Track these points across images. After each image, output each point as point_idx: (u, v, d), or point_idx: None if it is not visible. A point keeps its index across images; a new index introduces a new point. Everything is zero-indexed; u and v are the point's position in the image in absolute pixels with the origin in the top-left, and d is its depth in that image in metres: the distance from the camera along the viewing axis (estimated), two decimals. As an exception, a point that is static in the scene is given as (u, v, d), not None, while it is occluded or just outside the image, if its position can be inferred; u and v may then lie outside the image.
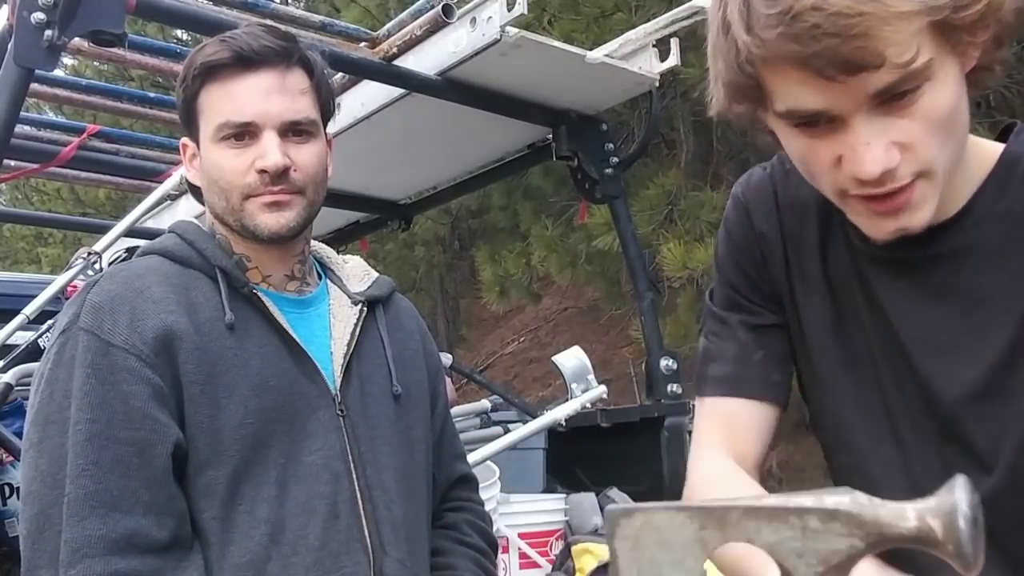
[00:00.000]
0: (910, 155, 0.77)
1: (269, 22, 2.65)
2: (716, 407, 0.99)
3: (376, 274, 1.44)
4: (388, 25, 2.90)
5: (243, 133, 1.23)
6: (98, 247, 2.67)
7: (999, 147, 0.88)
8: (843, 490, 0.49)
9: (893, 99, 0.76)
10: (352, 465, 1.23)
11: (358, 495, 1.23)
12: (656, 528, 0.49)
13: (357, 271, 1.43)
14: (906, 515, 0.47)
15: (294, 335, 1.24)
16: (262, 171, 1.23)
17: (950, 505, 0.47)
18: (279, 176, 1.23)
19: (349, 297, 1.37)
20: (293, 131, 1.25)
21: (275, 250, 1.30)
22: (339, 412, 1.25)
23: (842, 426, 0.95)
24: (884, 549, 0.48)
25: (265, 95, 1.23)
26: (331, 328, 1.32)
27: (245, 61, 1.23)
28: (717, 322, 1.04)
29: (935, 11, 0.72)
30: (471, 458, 2.36)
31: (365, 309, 1.36)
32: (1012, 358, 0.82)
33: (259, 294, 1.25)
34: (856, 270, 0.92)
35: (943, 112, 0.77)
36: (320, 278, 1.39)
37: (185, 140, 1.31)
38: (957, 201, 0.86)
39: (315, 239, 1.41)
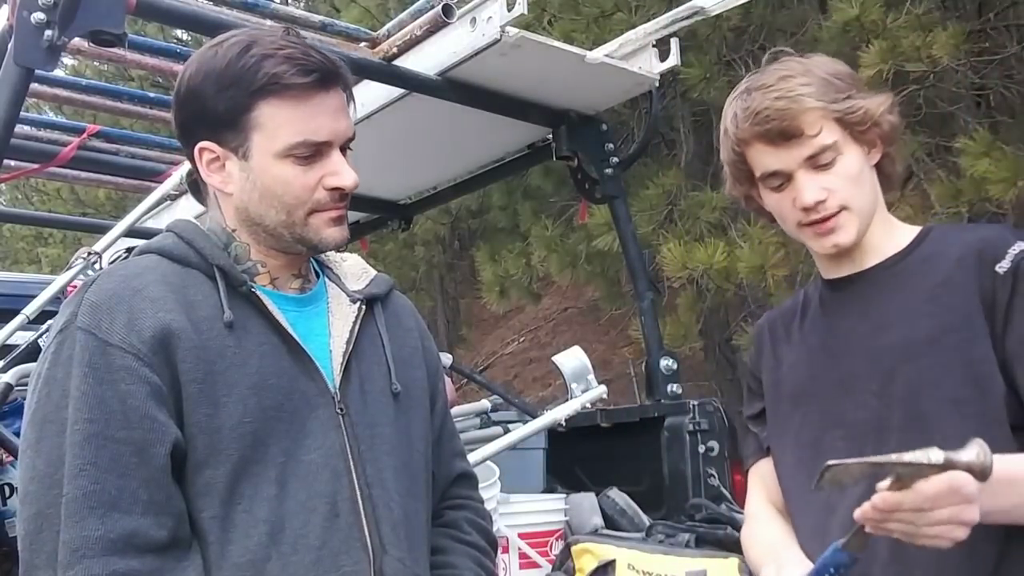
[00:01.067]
0: (834, 194, 1.30)
1: (269, 23, 2.66)
2: (754, 469, 1.52)
3: (374, 272, 1.44)
4: (388, 25, 2.89)
5: (315, 151, 1.24)
6: (98, 247, 2.67)
7: (914, 228, 1.40)
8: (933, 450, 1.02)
9: (819, 165, 1.30)
10: (352, 463, 1.23)
11: (358, 494, 1.23)
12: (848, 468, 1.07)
13: (355, 269, 1.43)
14: (964, 457, 1.01)
15: (293, 333, 1.24)
16: (336, 189, 1.25)
17: (983, 454, 1.01)
18: (346, 194, 1.27)
19: (347, 295, 1.37)
20: (344, 146, 1.28)
21: (291, 257, 1.31)
22: (338, 410, 1.25)
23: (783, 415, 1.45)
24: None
25: (335, 114, 1.25)
26: (330, 326, 1.32)
27: (321, 81, 1.23)
28: (746, 417, 1.56)
29: (832, 112, 1.29)
30: (471, 458, 2.36)
31: (364, 307, 1.36)
32: (906, 343, 1.28)
33: (258, 293, 1.25)
34: (821, 305, 1.43)
35: (852, 173, 1.31)
36: (318, 277, 1.39)
37: (206, 144, 1.26)
38: (886, 252, 1.36)
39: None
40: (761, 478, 1.49)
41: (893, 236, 1.37)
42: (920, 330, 1.27)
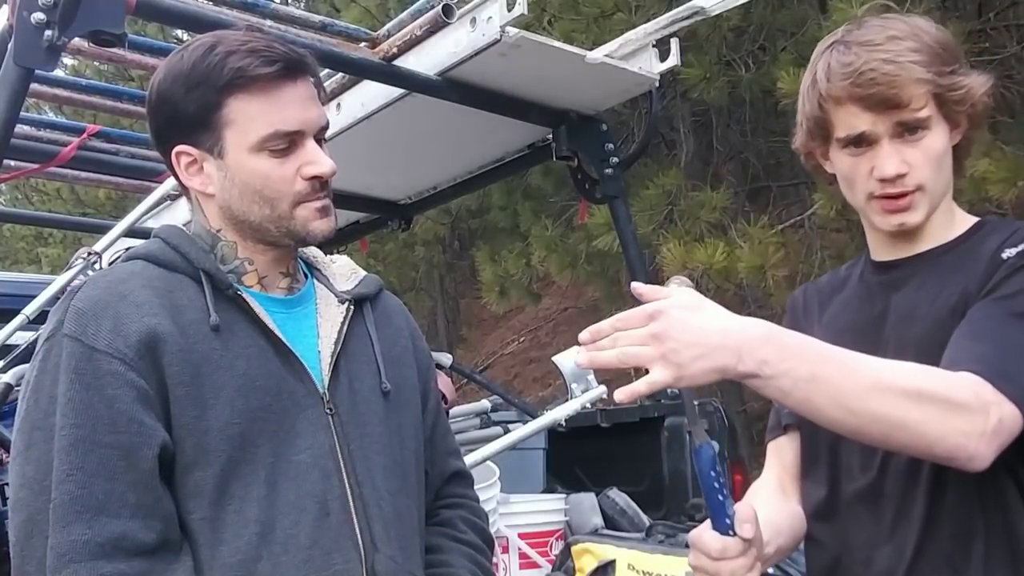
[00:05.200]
0: (914, 171, 1.22)
1: (269, 22, 2.66)
2: (772, 445, 1.45)
3: (363, 272, 1.44)
4: (388, 25, 2.90)
5: (289, 142, 1.24)
6: (98, 247, 2.67)
7: (974, 219, 1.32)
8: None
9: (907, 134, 1.21)
10: (342, 463, 1.24)
11: (348, 493, 1.23)
12: None
13: (344, 270, 1.43)
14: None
15: (280, 335, 1.25)
16: (315, 178, 1.25)
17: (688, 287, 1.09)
18: (325, 182, 1.27)
19: (336, 296, 1.37)
20: (318, 136, 1.28)
21: (279, 252, 1.31)
22: (328, 410, 1.25)
23: None
24: None
25: (304, 103, 1.25)
26: (318, 327, 1.32)
27: (287, 70, 1.23)
28: None
29: (937, 85, 1.20)
30: (471, 458, 2.36)
31: (352, 307, 1.36)
32: (950, 318, 1.19)
33: (244, 295, 1.25)
34: (861, 285, 1.36)
35: (936, 152, 1.23)
36: (306, 278, 1.39)
37: (182, 148, 1.26)
38: (941, 241, 1.29)
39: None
40: (777, 453, 1.43)
41: (951, 225, 1.29)
42: (943, 328, 1.20)
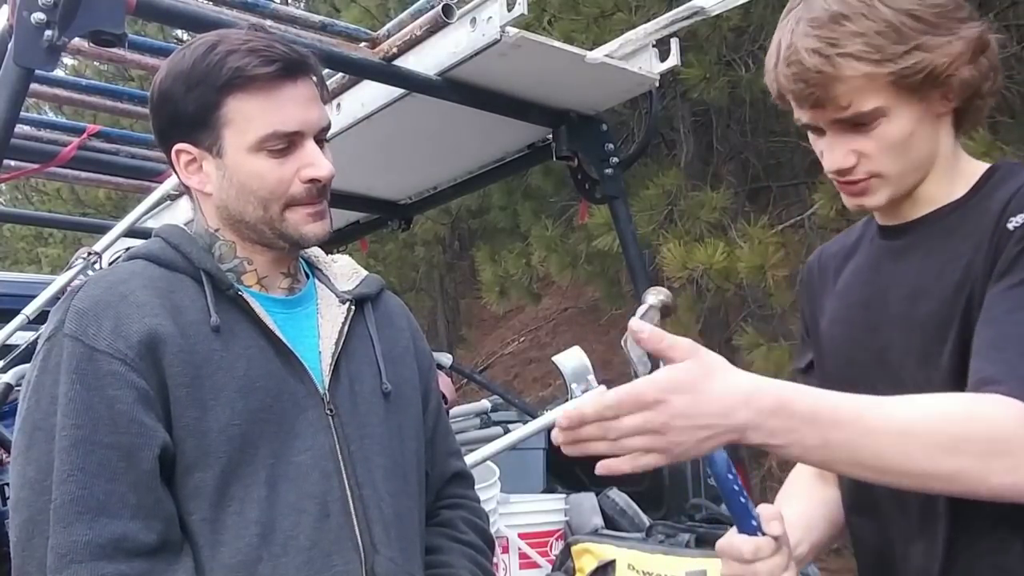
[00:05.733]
0: (865, 160, 1.14)
1: (269, 22, 2.66)
2: None
3: (365, 272, 1.44)
4: (388, 25, 2.89)
5: (288, 143, 1.23)
6: (98, 247, 2.67)
7: (986, 166, 1.20)
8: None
9: (855, 124, 1.12)
10: (342, 464, 1.24)
11: (348, 494, 1.23)
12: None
13: (345, 270, 1.43)
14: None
15: (280, 336, 1.25)
16: (312, 180, 1.25)
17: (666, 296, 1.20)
18: (324, 186, 1.26)
19: (337, 296, 1.37)
20: (319, 137, 1.27)
21: (277, 252, 1.31)
22: (328, 411, 1.25)
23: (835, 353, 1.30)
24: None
25: (305, 104, 1.25)
26: (319, 327, 1.32)
27: (286, 70, 1.23)
28: (794, 370, 1.43)
29: (881, 76, 1.07)
30: (471, 458, 2.36)
31: (353, 307, 1.36)
32: (955, 295, 1.11)
33: (245, 295, 1.25)
34: (871, 248, 1.28)
35: (895, 139, 1.12)
36: (308, 277, 1.39)
37: (182, 146, 1.27)
38: (945, 200, 1.18)
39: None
40: None
41: (953, 183, 1.18)
42: (949, 306, 1.12)
